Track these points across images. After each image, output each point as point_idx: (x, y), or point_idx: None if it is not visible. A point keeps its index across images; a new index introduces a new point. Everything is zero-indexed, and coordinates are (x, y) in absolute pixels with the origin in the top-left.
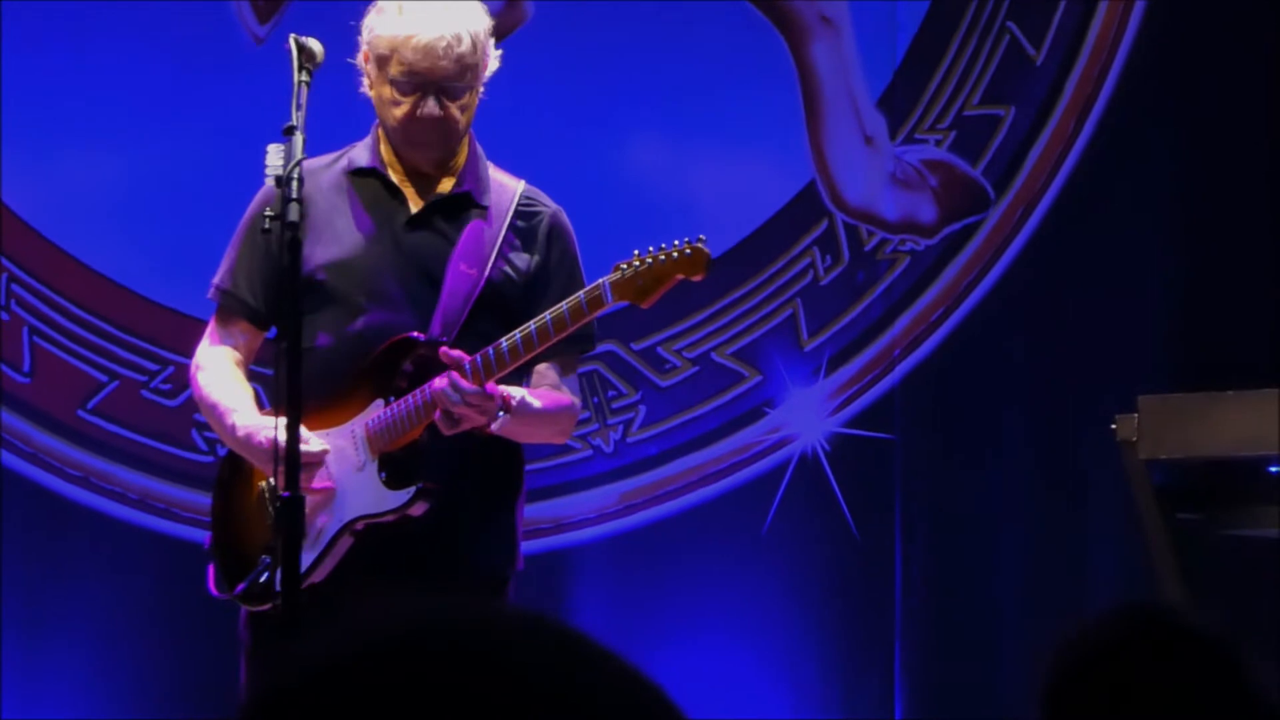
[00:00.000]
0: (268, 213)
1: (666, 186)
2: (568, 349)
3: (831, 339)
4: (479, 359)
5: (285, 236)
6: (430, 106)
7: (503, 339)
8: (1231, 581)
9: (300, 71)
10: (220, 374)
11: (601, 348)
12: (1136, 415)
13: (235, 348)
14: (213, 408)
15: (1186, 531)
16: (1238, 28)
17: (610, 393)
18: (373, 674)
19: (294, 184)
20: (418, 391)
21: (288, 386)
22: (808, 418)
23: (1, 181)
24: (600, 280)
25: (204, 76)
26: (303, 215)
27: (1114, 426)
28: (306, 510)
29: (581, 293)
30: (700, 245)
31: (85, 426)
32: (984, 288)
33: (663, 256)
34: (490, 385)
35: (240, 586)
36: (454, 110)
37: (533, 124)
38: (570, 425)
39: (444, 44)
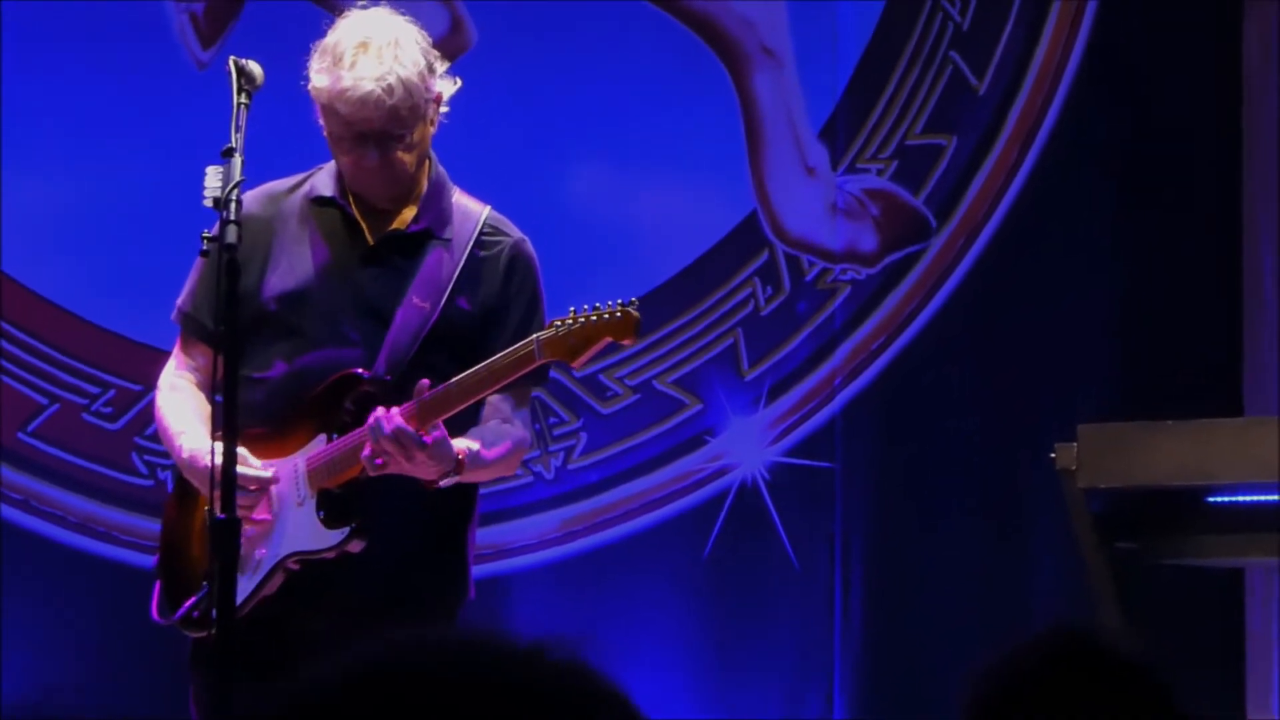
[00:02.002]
0: (205, 235)
1: (609, 215)
2: (522, 383)
3: (772, 368)
4: (415, 404)
5: (222, 259)
6: (370, 158)
7: (439, 386)
8: (1170, 610)
9: (239, 94)
10: (177, 397)
11: None
12: (1076, 444)
13: (196, 369)
14: (165, 429)
15: (1125, 560)
16: (1181, 59)
17: (552, 419)
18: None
19: (232, 206)
20: (359, 430)
21: (224, 409)
22: (748, 446)
23: None
24: (533, 336)
25: (147, 100)
26: (241, 238)
27: (1053, 455)
28: (247, 539)
29: (515, 346)
30: (630, 309)
31: (25, 449)
32: (925, 317)
33: (595, 317)
34: (442, 440)
35: (179, 612)
36: (397, 155)
37: (475, 150)
38: (518, 460)
39: (374, 97)
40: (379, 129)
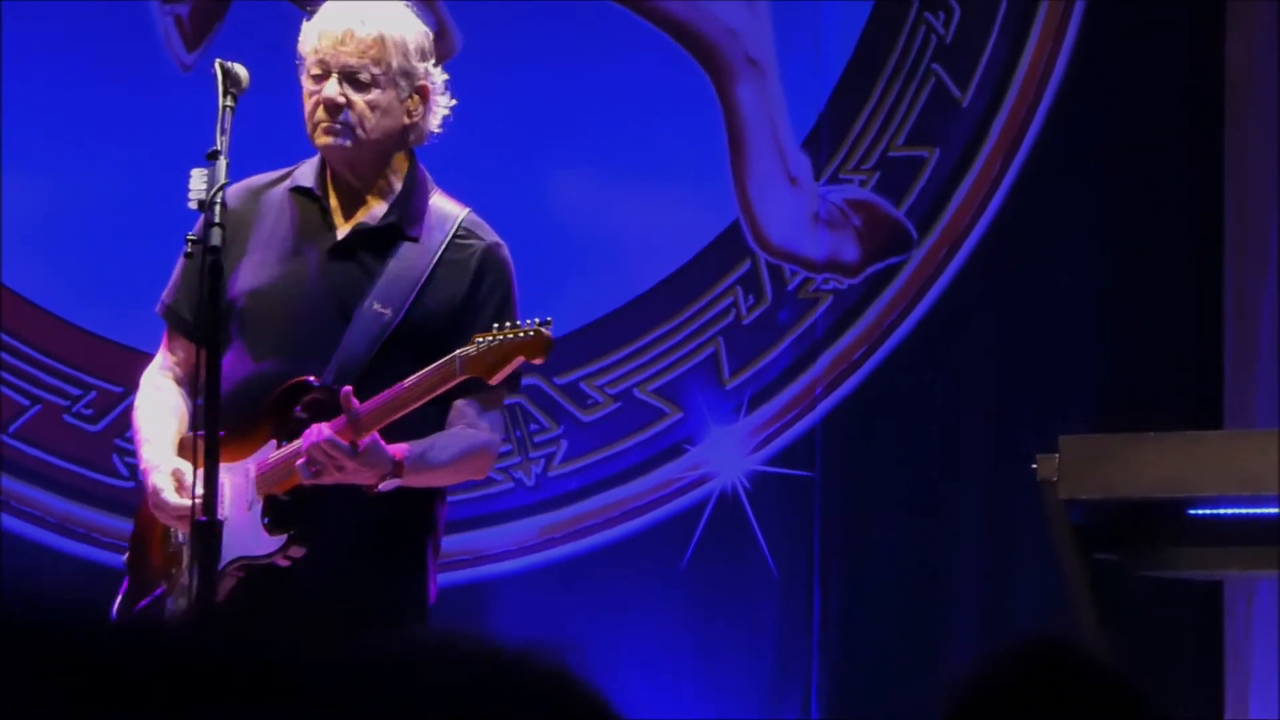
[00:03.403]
0: (190, 236)
1: (591, 223)
2: (487, 388)
3: (753, 377)
4: (352, 416)
5: (206, 261)
6: (331, 89)
7: (373, 399)
8: (1149, 623)
9: (225, 97)
10: (155, 399)
11: (524, 381)
12: (1057, 455)
13: (178, 364)
14: (135, 432)
15: (1104, 572)
16: (1164, 72)
17: (532, 426)
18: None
19: (216, 209)
20: (299, 439)
21: (205, 411)
22: (728, 455)
23: None
24: (454, 353)
25: (131, 102)
26: (225, 239)
27: (1035, 466)
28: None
29: (435, 364)
30: (542, 330)
31: (6, 450)
32: (906, 327)
33: (509, 336)
34: (372, 447)
35: (135, 610)
36: (359, 102)
37: (457, 156)
38: (488, 463)
39: (346, 31)
40: (345, 63)
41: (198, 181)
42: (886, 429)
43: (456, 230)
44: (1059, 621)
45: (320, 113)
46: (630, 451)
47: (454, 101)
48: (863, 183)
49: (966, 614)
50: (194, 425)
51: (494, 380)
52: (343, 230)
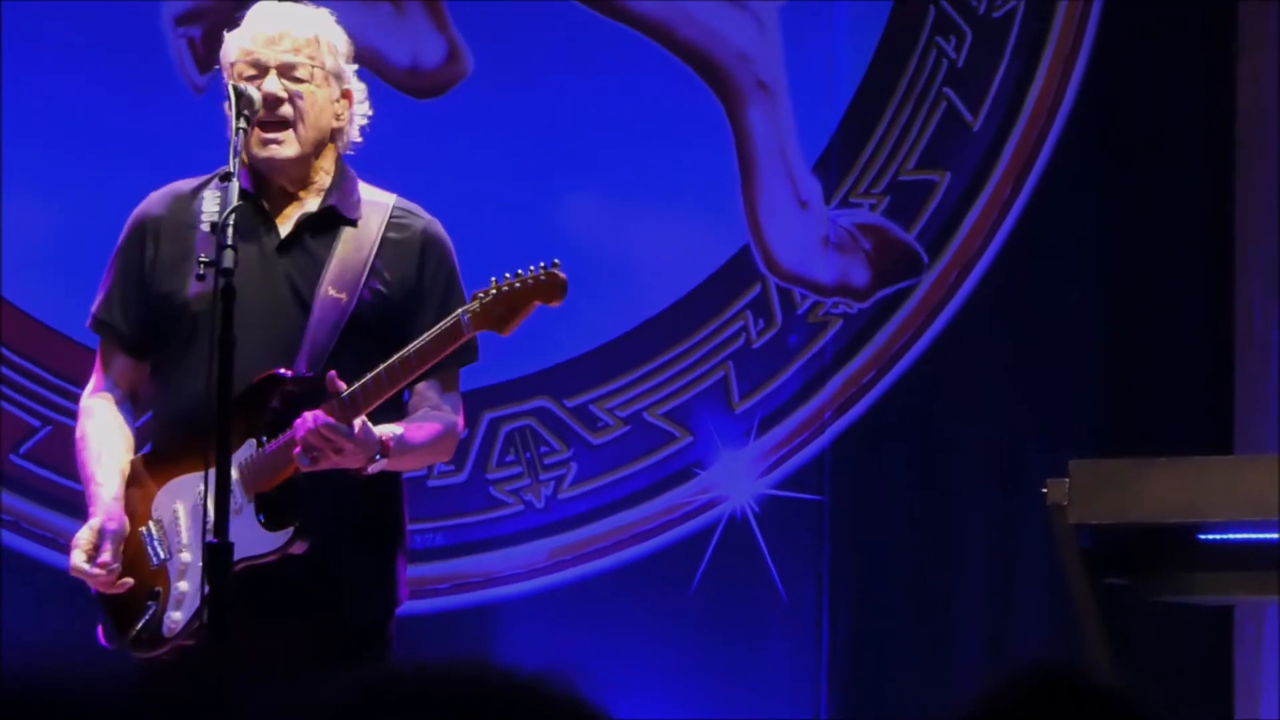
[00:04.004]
0: (201, 259)
1: (601, 247)
2: (447, 364)
3: (762, 401)
4: (346, 397)
5: (219, 284)
6: (270, 84)
7: (368, 375)
8: (1159, 648)
9: (238, 119)
10: (95, 426)
11: (534, 403)
12: (1068, 480)
13: (116, 384)
14: (81, 466)
15: (1114, 597)
16: (1175, 97)
17: (543, 449)
18: None
19: (229, 231)
20: (288, 431)
21: (217, 434)
22: (737, 479)
23: None
24: (457, 312)
25: (144, 124)
26: (160, 246)
27: (1045, 490)
28: (188, 562)
29: (440, 325)
30: (555, 270)
31: (17, 472)
32: (916, 352)
33: (519, 283)
34: (363, 428)
35: (131, 633)
36: (299, 90)
37: (469, 179)
38: (451, 446)
39: (279, 28)
40: (283, 60)
41: (210, 203)
42: (896, 453)
43: (392, 211)
44: (1067, 645)
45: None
46: (640, 475)
47: (370, 112)
48: (873, 207)
49: (975, 638)
50: (139, 445)
51: (507, 331)
52: (284, 225)
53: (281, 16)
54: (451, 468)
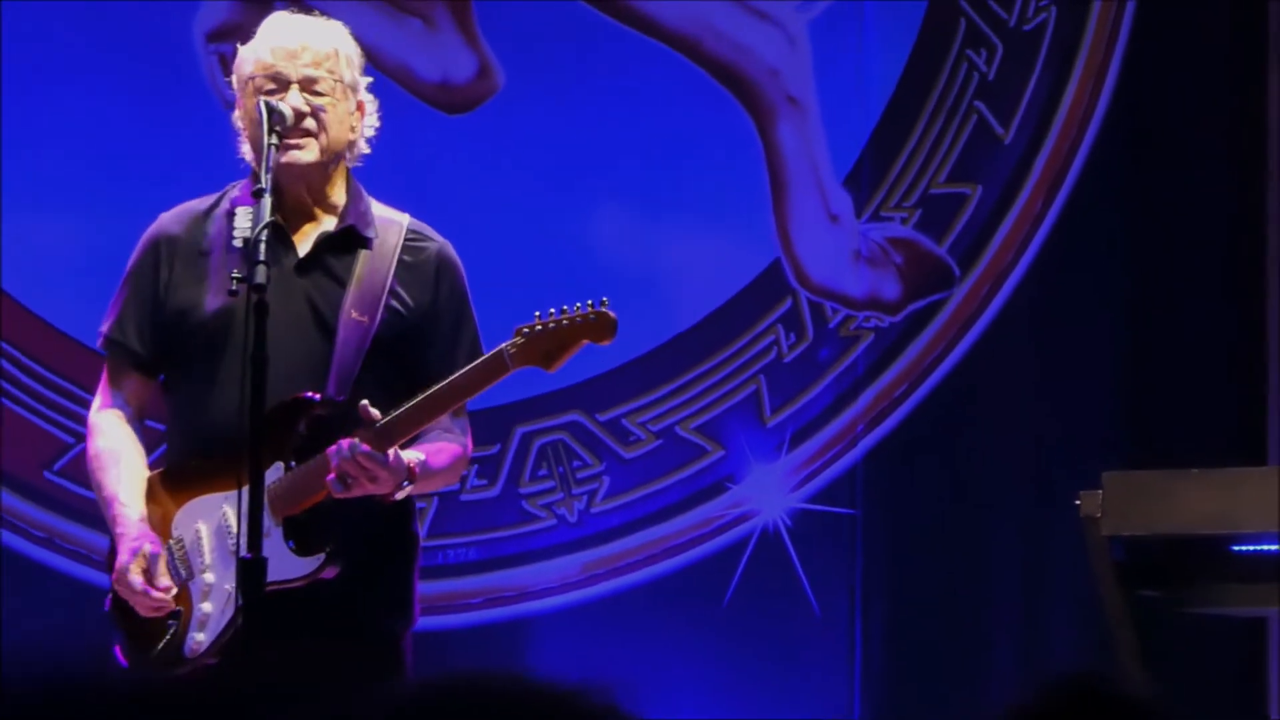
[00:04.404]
0: (235, 275)
1: (632, 261)
2: None
3: (794, 415)
4: (382, 426)
5: (251, 300)
6: (294, 98)
7: (406, 405)
8: (1192, 660)
9: (269, 135)
10: (111, 445)
11: (567, 418)
12: (1101, 491)
13: (127, 402)
14: (99, 485)
15: (1148, 608)
16: (1206, 109)
17: (575, 463)
18: None
19: (261, 247)
20: (319, 455)
21: (250, 451)
22: (769, 493)
23: None
24: (500, 347)
25: (175, 138)
26: (174, 267)
27: (1078, 503)
28: (211, 582)
29: (481, 359)
30: (604, 309)
31: (51, 488)
32: (948, 365)
33: (565, 321)
34: (395, 455)
35: (152, 653)
36: (320, 104)
37: (500, 194)
38: (462, 469)
39: (302, 44)
40: (305, 74)
41: (243, 219)
42: (928, 466)
43: (406, 234)
44: (1099, 657)
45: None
46: (672, 489)
47: (378, 124)
48: (904, 220)
49: (1008, 651)
50: (153, 463)
51: (553, 368)
52: (302, 244)
53: (300, 29)
54: (484, 482)
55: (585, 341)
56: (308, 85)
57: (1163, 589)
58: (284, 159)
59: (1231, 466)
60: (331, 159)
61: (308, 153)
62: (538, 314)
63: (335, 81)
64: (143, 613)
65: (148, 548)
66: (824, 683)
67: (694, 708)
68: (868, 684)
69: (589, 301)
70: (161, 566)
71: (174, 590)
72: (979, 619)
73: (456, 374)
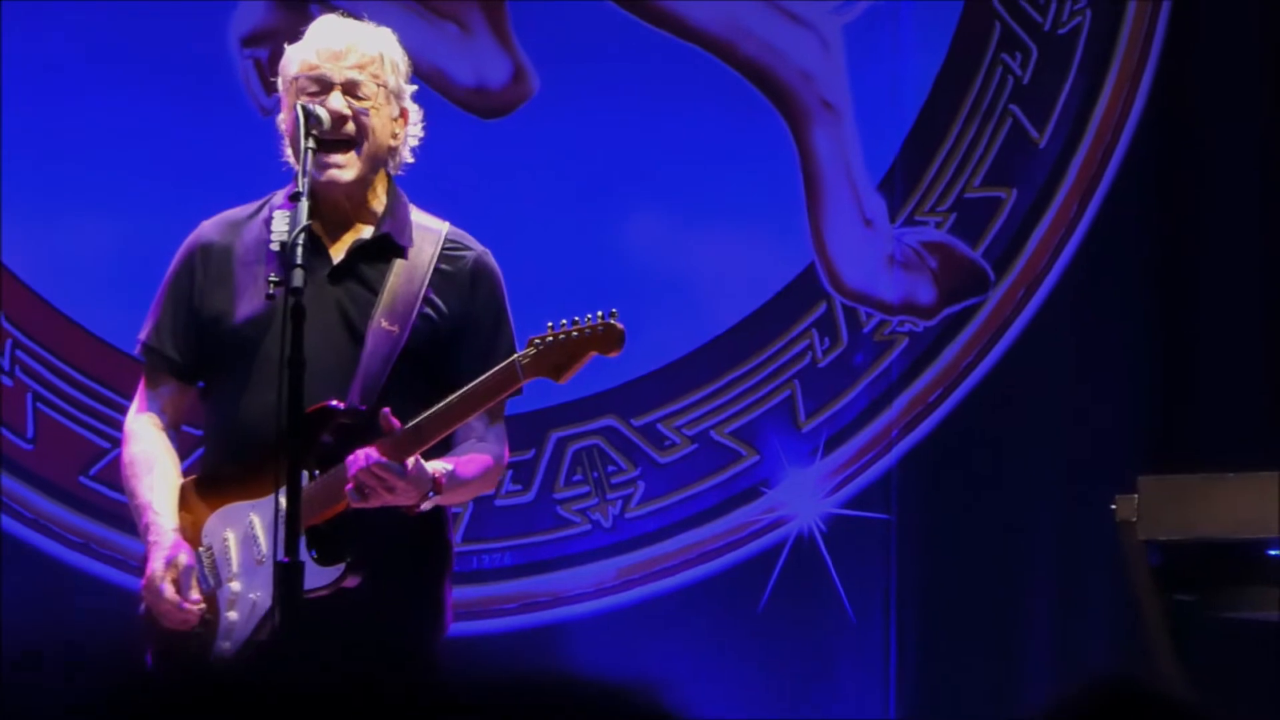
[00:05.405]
0: (272, 279)
1: (667, 265)
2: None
3: (829, 420)
4: (399, 436)
5: (288, 303)
6: (334, 101)
7: (421, 416)
8: (1228, 664)
9: (306, 139)
10: (146, 452)
11: (601, 422)
12: (1136, 496)
13: (163, 409)
14: (133, 492)
15: (1183, 613)
16: (1242, 114)
17: (610, 468)
18: None
19: (298, 250)
20: (341, 464)
21: (287, 456)
22: (804, 498)
23: (5, 245)
24: (513, 358)
25: (211, 143)
26: (209, 274)
27: (1114, 507)
28: (238, 591)
29: (494, 370)
30: (613, 321)
31: (87, 493)
32: (983, 369)
33: (575, 333)
34: (417, 466)
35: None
36: (362, 109)
37: (534, 199)
38: (497, 478)
39: (345, 44)
40: (349, 77)
41: (280, 223)
42: (962, 471)
43: (444, 243)
44: (1134, 660)
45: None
46: (707, 493)
47: (422, 133)
48: (939, 224)
49: (1042, 655)
50: (187, 470)
51: (563, 379)
52: (337, 252)
53: (346, 32)
54: (519, 487)
55: (593, 354)
56: (350, 89)
57: (1198, 593)
58: (324, 178)
59: (1267, 470)
60: (371, 170)
61: (347, 171)
62: (550, 325)
63: (379, 86)
64: (170, 624)
65: (182, 558)
66: (858, 688)
67: (729, 712)
68: (902, 689)
69: (599, 312)
70: (193, 579)
71: (203, 604)
72: (1014, 624)
73: (470, 384)
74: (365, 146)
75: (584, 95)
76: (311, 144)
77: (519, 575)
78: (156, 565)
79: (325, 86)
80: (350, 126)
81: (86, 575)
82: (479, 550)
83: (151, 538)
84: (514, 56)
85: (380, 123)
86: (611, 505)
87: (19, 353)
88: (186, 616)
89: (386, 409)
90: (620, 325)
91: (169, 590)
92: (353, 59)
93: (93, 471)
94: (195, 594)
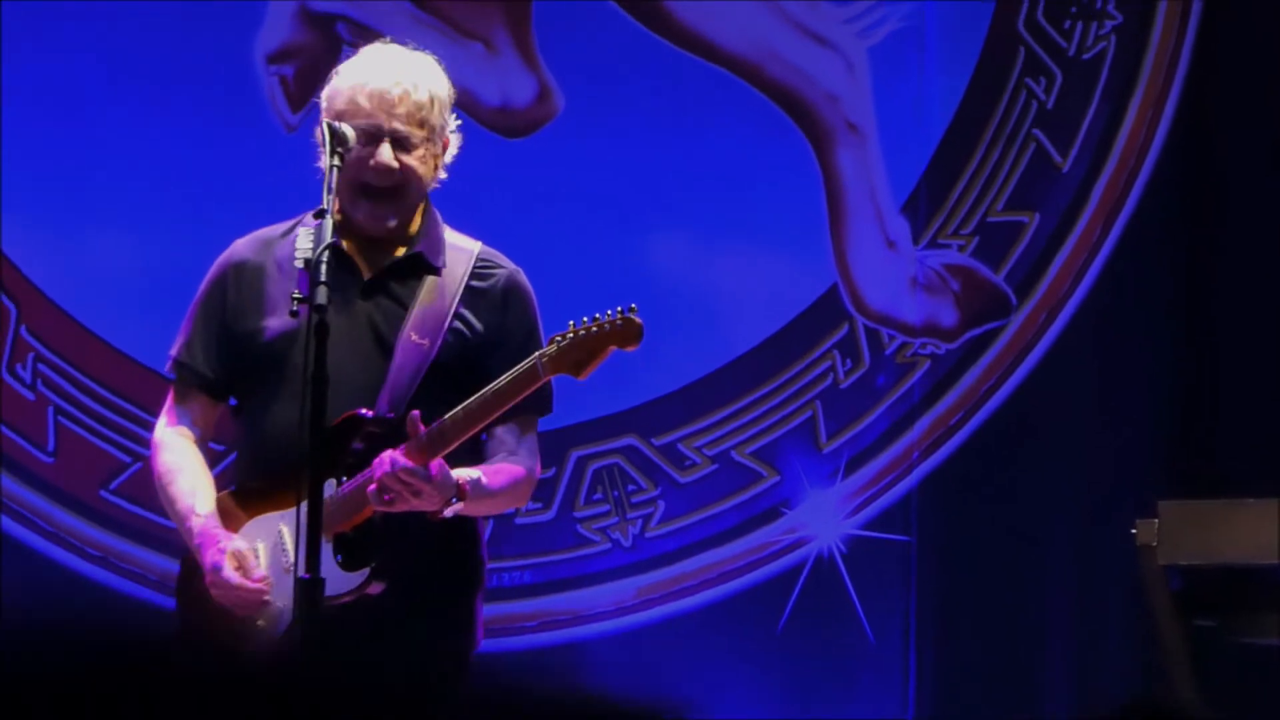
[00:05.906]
0: (295, 295)
1: (689, 285)
2: (525, 411)
3: (850, 441)
4: (423, 438)
5: (312, 320)
6: (384, 154)
7: (445, 416)
8: (1248, 689)
9: (332, 156)
10: (181, 460)
11: (622, 441)
12: (1157, 520)
13: (194, 423)
14: (171, 501)
15: (1203, 638)
16: (1265, 136)
17: (630, 487)
18: None
19: (322, 267)
20: (366, 471)
21: (309, 468)
22: (824, 519)
23: (28, 259)
24: (533, 356)
25: (236, 159)
26: (241, 292)
27: (1134, 531)
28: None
29: (517, 368)
30: (632, 315)
31: (107, 507)
32: (1004, 393)
33: (595, 329)
34: (441, 471)
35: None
36: (410, 161)
37: (557, 219)
38: (528, 492)
39: (399, 90)
40: (397, 129)
41: (305, 240)
42: (983, 494)
43: (476, 261)
44: (1153, 685)
45: (369, 175)
46: (727, 514)
47: (456, 151)
48: (961, 247)
49: (1062, 678)
50: (220, 483)
51: (583, 375)
52: (369, 269)
53: (400, 72)
54: (539, 505)
55: (613, 348)
56: (400, 143)
57: (1218, 618)
58: (367, 228)
59: None
60: (414, 209)
61: (392, 220)
62: (570, 322)
63: (425, 135)
64: (244, 611)
65: (236, 543)
66: (878, 709)
67: None
68: (921, 710)
69: (618, 308)
70: (252, 558)
71: (270, 580)
72: (1033, 646)
73: (492, 384)
74: (410, 195)
75: (608, 115)
76: (337, 162)
77: (539, 593)
78: (215, 558)
79: (373, 138)
80: (395, 177)
81: (105, 589)
82: (499, 568)
83: (197, 540)
84: (539, 76)
85: (426, 169)
86: (631, 524)
87: (41, 366)
88: (257, 595)
89: (416, 412)
90: (639, 319)
91: (234, 575)
92: (404, 108)
93: (113, 486)
94: (260, 570)
